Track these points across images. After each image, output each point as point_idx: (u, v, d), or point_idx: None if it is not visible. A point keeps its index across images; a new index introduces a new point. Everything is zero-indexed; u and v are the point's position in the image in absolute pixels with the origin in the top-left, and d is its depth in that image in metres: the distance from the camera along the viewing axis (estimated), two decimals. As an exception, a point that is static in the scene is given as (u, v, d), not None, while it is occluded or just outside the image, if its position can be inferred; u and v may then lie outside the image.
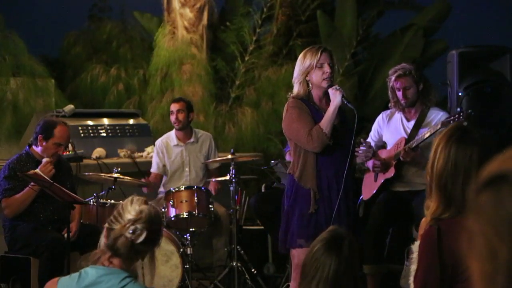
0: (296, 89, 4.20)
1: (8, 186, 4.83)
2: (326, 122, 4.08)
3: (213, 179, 5.76)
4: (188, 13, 9.04)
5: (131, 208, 2.43)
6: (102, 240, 2.47)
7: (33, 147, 4.93)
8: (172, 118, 5.93)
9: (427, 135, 4.67)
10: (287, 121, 4.19)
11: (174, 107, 5.93)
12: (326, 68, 4.11)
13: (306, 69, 4.14)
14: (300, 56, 4.22)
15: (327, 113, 4.09)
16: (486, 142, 2.44)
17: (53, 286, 2.49)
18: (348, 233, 2.70)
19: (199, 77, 8.69)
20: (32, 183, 4.74)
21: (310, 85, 4.17)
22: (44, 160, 4.79)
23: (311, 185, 4.11)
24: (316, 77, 4.13)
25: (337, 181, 4.13)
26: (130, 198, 2.50)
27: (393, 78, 4.91)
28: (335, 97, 4.08)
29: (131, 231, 2.39)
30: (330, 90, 4.11)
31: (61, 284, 2.46)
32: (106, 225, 2.47)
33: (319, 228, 4.04)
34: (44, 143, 4.86)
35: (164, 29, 8.89)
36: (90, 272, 2.42)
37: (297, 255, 4.11)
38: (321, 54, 4.12)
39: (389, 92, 5.00)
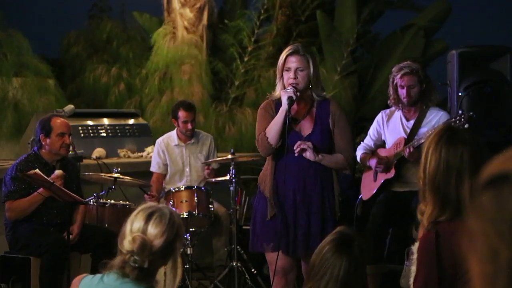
0: (276, 87, 4.07)
1: (13, 188, 4.80)
2: (270, 128, 3.93)
3: (213, 180, 5.74)
4: (188, 13, 9.05)
5: (128, 236, 2.34)
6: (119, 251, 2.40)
7: (42, 149, 4.90)
8: (185, 126, 5.83)
9: (429, 134, 4.66)
10: None
11: (187, 116, 5.81)
12: (291, 74, 3.92)
13: (279, 70, 4.01)
14: None
15: (274, 119, 3.95)
16: (475, 141, 2.44)
17: (76, 283, 2.47)
18: (357, 234, 2.68)
19: (199, 78, 8.69)
20: (41, 189, 4.72)
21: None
22: (56, 172, 4.76)
23: (267, 191, 4.00)
24: (285, 80, 3.99)
25: (295, 190, 3.98)
26: (134, 212, 2.40)
27: (398, 75, 4.87)
28: (283, 100, 3.90)
29: (132, 262, 2.33)
30: (281, 92, 3.95)
31: (84, 283, 2.44)
32: (119, 241, 2.38)
33: (278, 232, 3.96)
34: (48, 140, 4.85)
35: (164, 29, 8.89)
36: (112, 278, 2.38)
37: (273, 261, 4.01)
38: (286, 58, 3.95)
39: (390, 89, 4.95)
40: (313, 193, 3.99)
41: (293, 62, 3.93)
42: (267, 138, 3.92)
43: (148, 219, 2.37)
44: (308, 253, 4.02)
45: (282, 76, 4.00)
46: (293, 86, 3.91)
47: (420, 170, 2.46)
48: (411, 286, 2.67)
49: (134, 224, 2.37)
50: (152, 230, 2.35)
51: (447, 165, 2.38)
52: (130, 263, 2.33)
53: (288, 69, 3.94)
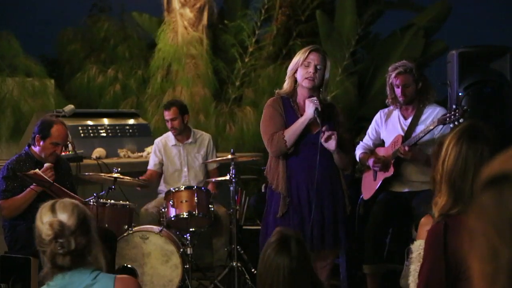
0: (285, 84, 4.23)
1: (5, 187, 4.82)
2: (290, 131, 4.09)
3: (213, 179, 5.74)
4: (188, 13, 9.04)
5: (43, 227, 2.40)
6: (45, 261, 2.44)
7: (32, 147, 4.93)
8: (168, 125, 5.90)
9: (424, 133, 4.68)
10: (261, 120, 4.27)
11: (167, 115, 5.85)
12: (310, 68, 4.09)
13: (295, 65, 4.16)
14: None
15: (295, 123, 4.10)
16: (496, 140, 2.47)
17: None
18: (294, 232, 2.72)
19: (200, 77, 8.70)
20: (34, 184, 4.74)
21: (297, 83, 4.19)
22: (46, 165, 4.78)
23: (281, 188, 4.11)
24: (300, 75, 4.14)
25: (308, 187, 4.11)
26: (38, 214, 2.47)
27: (393, 74, 4.91)
28: (308, 109, 4.08)
29: (59, 248, 2.37)
30: (307, 101, 4.11)
31: None
32: (39, 248, 2.45)
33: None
34: (41, 143, 4.86)
35: (166, 28, 8.89)
36: (56, 280, 2.42)
37: None
38: (309, 53, 4.12)
39: (387, 89, 4.99)
40: (323, 188, 4.14)
41: (314, 59, 4.10)
42: (285, 141, 4.05)
43: (53, 209, 2.45)
44: (324, 247, 4.14)
45: (294, 73, 4.16)
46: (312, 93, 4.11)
47: (438, 163, 2.48)
48: (411, 285, 2.68)
49: (43, 219, 2.44)
50: (62, 215, 2.43)
51: (466, 161, 2.41)
52: (58, 252, 2.37)
53: (308, 64, 4.10)
